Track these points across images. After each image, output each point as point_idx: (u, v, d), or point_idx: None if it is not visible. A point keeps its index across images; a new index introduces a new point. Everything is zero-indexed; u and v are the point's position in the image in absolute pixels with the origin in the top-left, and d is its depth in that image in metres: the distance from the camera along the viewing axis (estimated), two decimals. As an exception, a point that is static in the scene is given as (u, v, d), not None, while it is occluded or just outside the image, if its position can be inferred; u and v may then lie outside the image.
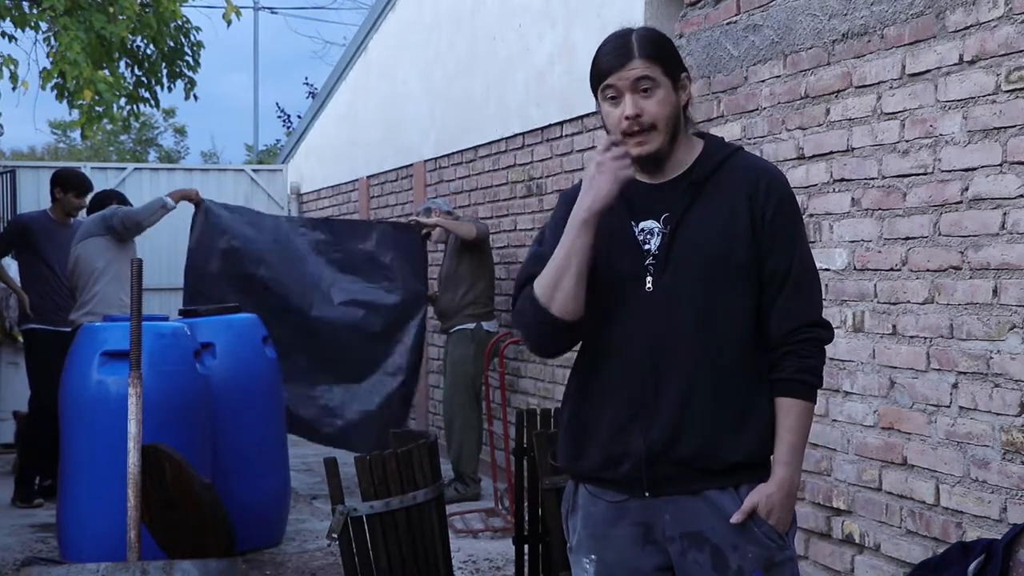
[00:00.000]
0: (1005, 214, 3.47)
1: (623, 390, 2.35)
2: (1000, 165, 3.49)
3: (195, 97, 8.99)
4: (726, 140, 2.53)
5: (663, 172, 2.39)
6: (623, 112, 2.33)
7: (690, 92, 2.42)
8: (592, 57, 2.41)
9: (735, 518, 2.29)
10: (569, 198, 2.45)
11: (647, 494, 2.34)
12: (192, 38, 8.80)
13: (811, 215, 4.28)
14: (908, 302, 3.87)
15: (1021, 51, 3.41)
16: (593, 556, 2.42)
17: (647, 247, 2.35)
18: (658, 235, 2.35)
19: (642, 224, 2.37)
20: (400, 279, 7.11)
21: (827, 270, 4.17)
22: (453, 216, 7.08)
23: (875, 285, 4.02)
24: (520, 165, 7.13)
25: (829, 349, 2.43)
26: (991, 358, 3.53)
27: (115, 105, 8.08)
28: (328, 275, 7.08)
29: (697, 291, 2.31)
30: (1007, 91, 3.45)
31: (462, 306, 6.70)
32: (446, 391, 6.84)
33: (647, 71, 2.32)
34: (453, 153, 8.16)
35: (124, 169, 11.36)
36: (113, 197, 6.87)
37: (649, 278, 2.33)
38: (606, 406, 2.38)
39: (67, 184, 6.98)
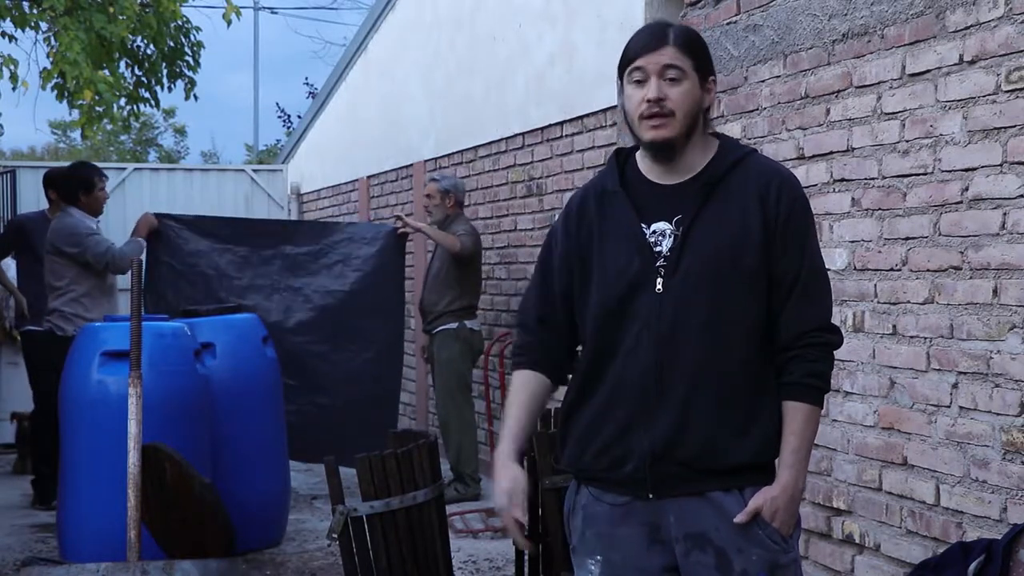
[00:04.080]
0: (1005, 214, 3.47)
1: (628, 390, 2.35)
2: (1000, 165, 3.49)
3: (195, 97, 8.99)
4: (740, 141, 2.53)
5: (677, 172, 2.39)
6: (645, 95, 2.32)
7: (714, 97, 2.42)
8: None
9: (739, 518, 2.29)
10: (566, 215, 2.50)
11: (651, 496, 2.34)
12: (192, 38, 8.79)
13: (811, 215, 4.27)
14: (908, 302, 3.87)
15: (1021, 51, 3.40)
16: (599, 557, 2.42)
17: (658, 249, 2.34)
18: (670, 237, 2.35)
19: (654, 226, 2.37)
20: (375, 280, 6.80)
21: (827, 270, 4.16)
22: (457, 194, 6.83)
23: (875, 285, 4.02)
24: (520, 165, 7.13)
25: (829, 349, 2.44)
26: (991, 358, 3.53)
27: (115, 105, 8.07)
28: (297, 280, 6.81)
29: (706, 293, 2.31)
30: (1007, 91, 3.45)
31: (446, 311, 6.62)
32: (438, 393, 6.75)
33: (678, 60, 2.33)
34: (453, 153, 8.16)
35: (124, 169, 11.35)
36: (80, 180, 6.54)
37: (659, 280, 2.33)
38: (610, 406, 2.38)
39: (57, 185, 6.90)
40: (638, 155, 2.45)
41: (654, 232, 2.36)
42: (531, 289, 2.58)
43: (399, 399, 7.06)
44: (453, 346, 6.63)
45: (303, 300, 6.82)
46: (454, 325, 6.64)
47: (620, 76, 2.40)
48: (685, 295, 2.31)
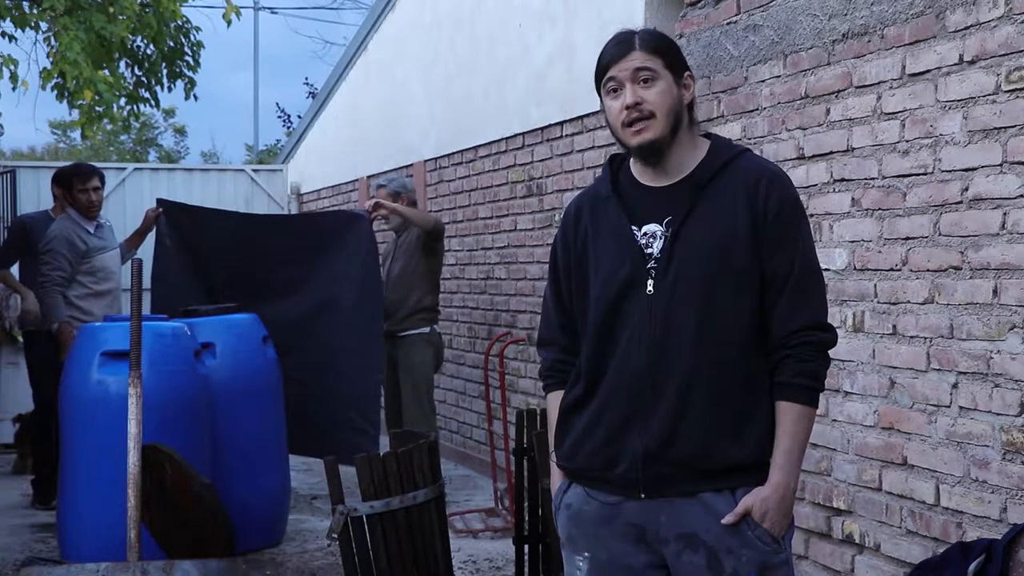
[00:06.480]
0: (1005, 214, 3.47)
1: (622, 391, 2.36)
2: (1000, 165, 3.49)
3: (195, 97, 8.99)
4: (733, 141, 2.53)
5: (668, 174, 2.40)
6: (623, 103, 2.35)
7: (694, 93, 2.43)
8: (596, 58, 2.45)
9: (727, 519, 2.30)
10: (563, 224, 2.53)
11: (643, 495, 2.35)
12: (192, 38, 8.80)
13: (811, 215, 4.27)
14: (908, 302, 3.87)
15: (1021, 51, 3.40)
16: (586, 554, 2.44)
17: (649, 251, 2.35)
18: (661, 238, 2.35)
19: (645, 228, 2.38)
20: (351, 275, 6.43)
21: (827, 270, 4.16)
22: (408, 194, 6.69)
23: (875, 285, 4.02)
24: (520, 165, 7.13)
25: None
26: (991, 358, 3.53)
27: (115, 105, 8.07)
28: (278, 274, 6.57)
29: (698, 294, 2.32)
30: (1007, 91, 3.45)
31: (416, 310, 6.48)
32: (407, 398, 6.46)
33: (647, 62, 2.35)
34: (453, 153, 8.16)
35: (124, 169, 11.35)
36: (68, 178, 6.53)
37: (651, 281, 2.34)
38: (604, 406, 2.39)
39: (62, 180, 6.92)
40: (631, 160, 2.47)
41: (645, 234, 2.37)
42: (547, 302, 2.60)
43: (380, 394, 6.55)
44: (427, 351, 6.51)
45: (286, 294, 6.53)
46: (426, 330, 6.50)
47: (598, 90, 2.43)
48: (676, 296, 2.32)
